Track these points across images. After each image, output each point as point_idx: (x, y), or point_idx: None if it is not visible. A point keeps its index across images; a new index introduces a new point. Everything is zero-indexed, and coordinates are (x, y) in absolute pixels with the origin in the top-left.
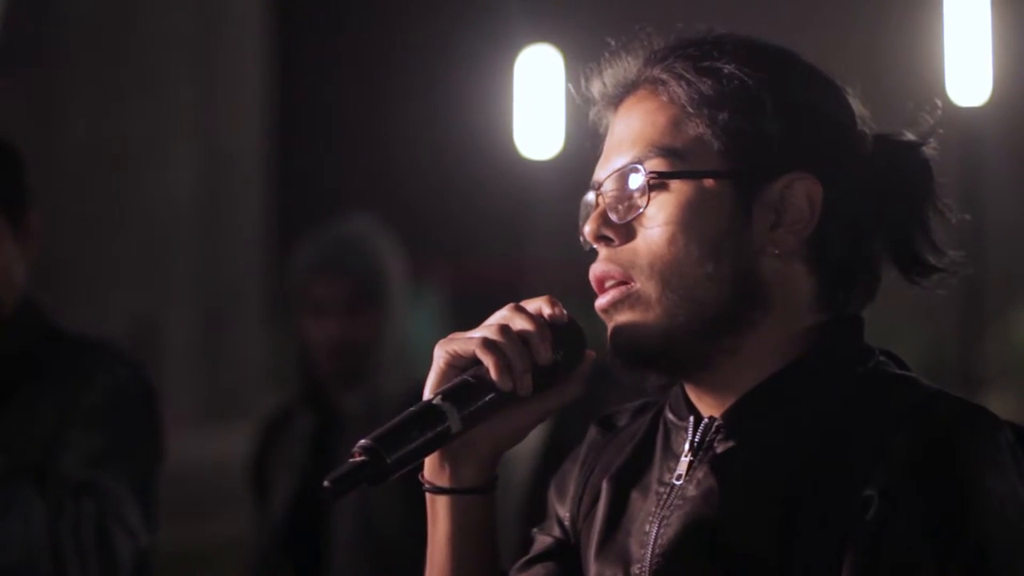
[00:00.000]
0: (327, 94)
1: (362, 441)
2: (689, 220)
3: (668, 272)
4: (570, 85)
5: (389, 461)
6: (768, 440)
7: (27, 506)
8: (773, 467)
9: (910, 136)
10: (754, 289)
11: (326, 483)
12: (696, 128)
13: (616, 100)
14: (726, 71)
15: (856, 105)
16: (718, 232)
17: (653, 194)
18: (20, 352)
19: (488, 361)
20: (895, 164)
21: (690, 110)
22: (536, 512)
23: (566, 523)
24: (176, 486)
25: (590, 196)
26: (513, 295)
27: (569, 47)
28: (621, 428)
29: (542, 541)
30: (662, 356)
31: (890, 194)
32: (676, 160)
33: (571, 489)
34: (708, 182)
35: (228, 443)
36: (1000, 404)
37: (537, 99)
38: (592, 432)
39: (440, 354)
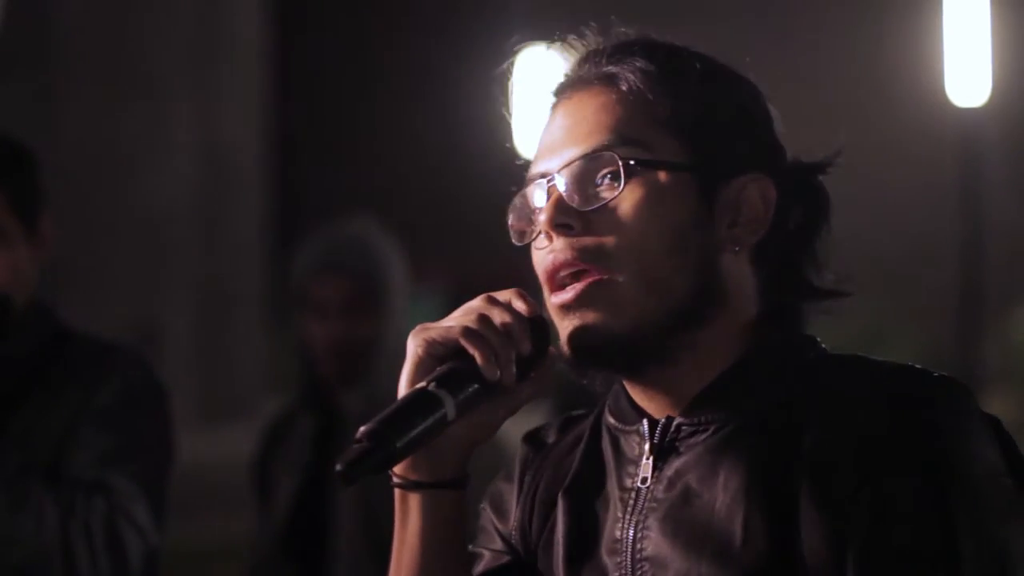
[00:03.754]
0: (326, 95)
1: (367, 427)
2: (658, 210)
3: (641, 261)
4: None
5: (398, 446)
6: (735, 433)
7: (39, 504)
8: (746, 460)
9: (811, 160)
10: (714, 284)
11: (338, 467)
12: (659, 120)
13: (559, 93)
14: (686, 68)
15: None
16: (685, 224)
17: (624, 182)
18: (31, 352)
19: (475, 350)
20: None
21: (651, 100)
22: None
23: (513, 540)
24: (173, 486)
25: (533, 189)
26: None
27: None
28: (551, 445)
29: (494, 555)
30: (626, 352)
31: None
32: (643, 150)
33: (512, 507)
34: (674, 174)
35: (226, 444)
36: (1000, 404)
37: (535, 99)
38: (523, 449)
39: (418, 343)
